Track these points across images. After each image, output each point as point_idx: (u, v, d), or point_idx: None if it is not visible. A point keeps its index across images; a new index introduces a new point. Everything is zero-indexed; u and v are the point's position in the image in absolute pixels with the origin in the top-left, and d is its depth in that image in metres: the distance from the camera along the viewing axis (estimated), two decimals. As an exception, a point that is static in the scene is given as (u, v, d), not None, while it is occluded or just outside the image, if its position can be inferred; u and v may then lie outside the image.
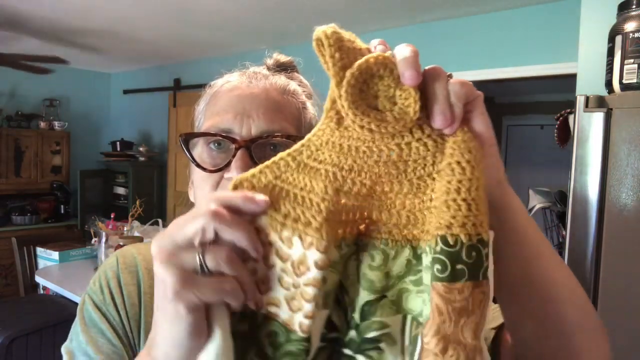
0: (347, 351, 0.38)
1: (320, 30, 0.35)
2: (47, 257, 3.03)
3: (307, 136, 0.38)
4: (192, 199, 0.65)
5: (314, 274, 0.35)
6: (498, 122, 6.27)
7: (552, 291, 0.43)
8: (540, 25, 2.88)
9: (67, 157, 5.15)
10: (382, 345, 0.37)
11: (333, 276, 0.37)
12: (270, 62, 0.68)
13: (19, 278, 3.14)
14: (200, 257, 0.35)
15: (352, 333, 0.38)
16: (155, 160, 5.12)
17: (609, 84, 1.46)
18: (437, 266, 0.34)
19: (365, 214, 0.38)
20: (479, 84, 3.36)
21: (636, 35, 1.37)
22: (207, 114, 0.62)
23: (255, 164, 0.54)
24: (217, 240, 0.35)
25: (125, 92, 5.57)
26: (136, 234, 2.86)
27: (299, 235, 0.36)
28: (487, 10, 3.03)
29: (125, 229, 2.89)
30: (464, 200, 0.34)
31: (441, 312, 0.33)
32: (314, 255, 0.35)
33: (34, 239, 3.28)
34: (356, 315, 0.38)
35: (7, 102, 4.87)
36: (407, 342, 0.37)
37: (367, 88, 0.36)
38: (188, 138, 0.60)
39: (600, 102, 1.36)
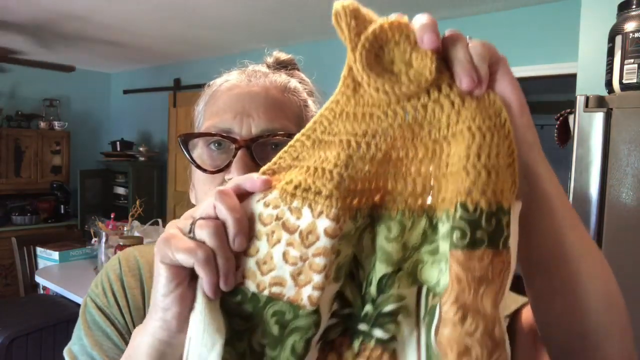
0: (362, 326, 0.37)
1: (339, 4, 0.35)
2: (47, 257, 3.03)
3: (319, 111, 0.38)
4: (193, 200, 0.64)
5: (323, 242, 0.35)
6: (498, 122, 6.26)
7: (583, 265, 0.41)
8: (540, 25, 2.88)
9: (67, 157, 5.15)
10: (399, 318, 0.36)
11: (347, 249, 0.37)
12: (270, 60, 0.68)
13: (19, 278, 3.14)
14: (192, 224, 0.37)
15: (368, 307, 0.37)
16: (155, 160, 5.12)
17: (609, 84, 1.46)
18: (457, 233, 0.33)
19: (381, 183, 0.37)
20: (479, 84, 3.36)
21: (636, 35, 1.37)
22: (207, 114, 0.61)
23: (256, 164, 0.54)
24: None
25: (125, 92, 5.57)
26: (136, 234, 2.86)
27: (308, 205, 0.36)
28: (487, 10, 3.03)
29: (125, 229, 2.89)
30: (484, 166, 0.33)
31: (460, 280, 0.33)
32: (324, 224, 0.35)
33: (34, 239, 3.28)
34: (372, 289, 0.37)
35: (7, 102, 4.87)
36: (422, 313, 0.37)
37: (383, 54, 0.35)
38: (187, 139, 0.59)
39: (600, 102, 1.36)
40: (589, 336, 0.42)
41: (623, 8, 1.45)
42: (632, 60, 1.38)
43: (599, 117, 1.36)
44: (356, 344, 0.37)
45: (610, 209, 1.36)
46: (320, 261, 0.35)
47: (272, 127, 0.56)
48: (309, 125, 0.38)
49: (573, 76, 2.17)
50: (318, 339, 0.37)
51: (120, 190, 5.08)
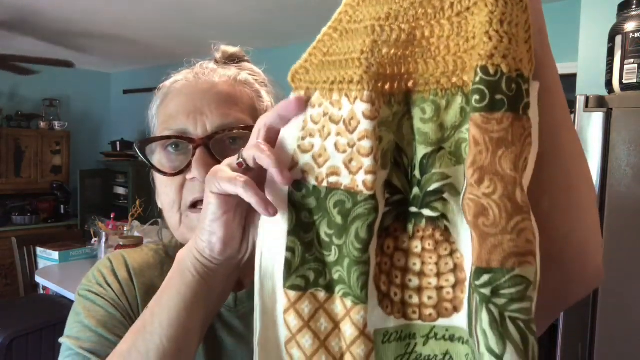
0: (412, 209, 0.39)
1: None
2: (47, 257, 3.03)
3: (344, 1, 0.38)
4: (160, 205, 0.63)
5: (365, 125, 0.37)
6: (498, 122, 6.26)
7: (572, 166, 0.42)
8: (540, 25, 2.88)
9: (67, 157, 5.15)
10: (446, 195, 0.37)
11: (388, 135, 0.38)
12: (218, 55, 0.68)
13: (19, 278, 3.14)
14: (241, 153, 0.42)
15: (415, 190, 0.38)
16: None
17: (609, 84, 1.46)
18: (476, 96, 0.33)
19: (411, 67, 0.37)
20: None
21: (636, 35, 1.37)
22: (160, 117, 0.61)
23: (216, 160, 0.54)
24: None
25: (125, 92, 5.57)
26: (136, 234, 2.86)
27: (345, 94, 0.37)
28: (487, 10, 3.03)
29: (125, 229, 2.89)
30: (506, 33, 0.33)
31: (478, 143, 0.33)
32: (360, 107, 0.37)
33: (34, 239, 3.28)
34: (417, 172, 0.38)
35: (7, 102, 4.87)
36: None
37: None
38: (144, 145, 0.60)
39: (600, 102, 1.36)
40: (572, 237, 0.43)
41: (623, 8, 1.45)
42: (632, 60, 1.38)
43: (598, 117, 1.36)
44: (410, 227, 0.39)
45: (610, 208, 1.36)
46: (366, 144, 0.37)
47: (226, 122, 0.56)
48: (334, 17, 0.39)
49: (573, 76, 2.17)
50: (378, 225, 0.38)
51: (120, 190, 5.08)
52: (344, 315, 0.39)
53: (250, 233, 0.45)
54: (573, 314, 1.40)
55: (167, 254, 0.66)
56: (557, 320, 1.54)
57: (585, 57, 2.03)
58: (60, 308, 2.51)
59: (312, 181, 0.39)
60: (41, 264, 3.06)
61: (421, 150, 0.38)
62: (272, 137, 0.41)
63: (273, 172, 0.38)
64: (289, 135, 0.40)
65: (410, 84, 0.38)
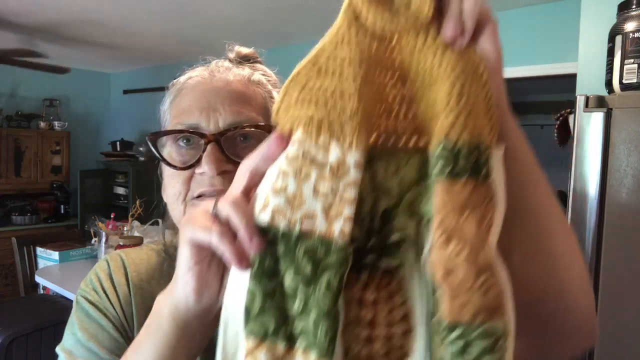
0: (368, 259, 0.39)
1: None
2: (47, 257, 3.03)
3: (322, 40, 0.38)
4: (165, 199, 0.64)
5: (355, 174, 0.36)
6: (498, 122, 6.25)
7: (544, 222, 0.43)
8: (540, 25, 2.88)
9: (67, 157, 5.15)
10: (403, 248, 0.38)
11: None
12: (232, 55, 0.68)
13: (19, 278, 3.14)
14: (215, 203, 0.40)
15: (373, 240, 0.38)
16: (155, 160, 5.11)
17: (609, 84, 1.46)
18: (440, 163, 0.35)
19: (380, 120, 0.38)
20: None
21: (636, 35, 1.37)
22: (173, 112, 0.61)
23: (226, 157, 0.55)
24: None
25: (125, 92, 5.57)
26: (136, 234, 2.86)
27: (336, 139, 0.37)
28: (487, 10, 3.03)
29: (125, 229, 2.89)
30: (465, 106, 0.35)
31: (444, 206, 0.35)
32: (354, 156, 0.36)
33: (34, 239, 3.28)
34: (375, 223, 0.38)
35: (7, 102, 4.87)
36: (424, 243, 0.38)
37: None
38: (156, 137, 0.59)
39: (600, 102, 1.36)
40: (549, 291, 0.44)
41: (623, 8, 1.45)
42: (632, 60, 1.38)
43: (598, 117, 1.36)
44: (363, 277, 0.38)
45: (610, 209, 1.36)
46: (351, 193, 0.36)
47: (239, 119, 0.57)
48: (311, 54, 0.38)
49: (573, 76, 2.17)
50: None
51: (120, 190, 5.08)
52: None
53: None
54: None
55: (168, 254, 0.67)
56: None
57: (585, 57, 2.03)
58: (60, 308, 2.51)
59: (283, 225, 0.37)
60: (41, 264, 3.06)
61: (382, 204, 0.38)
62: (256, 182, 0.39)
63: (241, 236, 0.37)
64: (269, 176, 0.39)
65: (376, 135, 0.38)
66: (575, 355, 0.50)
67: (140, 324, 0.58)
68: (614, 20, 1.47)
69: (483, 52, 0.38)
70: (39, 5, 3.15)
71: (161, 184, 0.65)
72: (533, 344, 0.45)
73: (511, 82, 3.21)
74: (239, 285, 0.39)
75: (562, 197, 2.34)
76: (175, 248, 0.66)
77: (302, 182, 0.37)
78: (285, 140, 0.38)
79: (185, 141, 0.58)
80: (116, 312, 0.60)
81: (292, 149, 0.38)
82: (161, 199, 0.65)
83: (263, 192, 0.38)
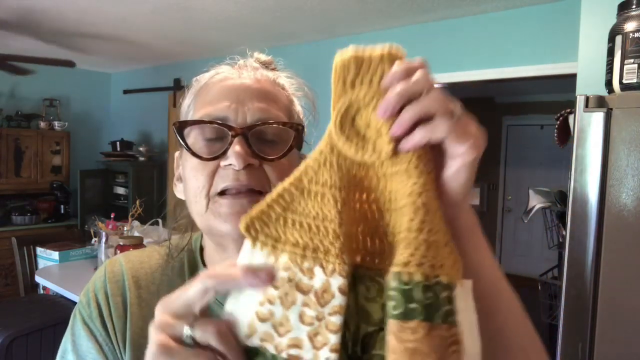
0: None
1: (338, 57, 0.37)
2: (47, 257, 3.03)
3: (304, 161, 0.39)
4: (179, 195, 0.64)
5: (339, 300, 0.36)
6: (498, 122, 6.27)
7: (511, 342, 0.44)
8: (540, 25, 2.88)
9: (67, 157, 5.15)
10: None
11: None
12: (252, 60, 0.68)
13: (19, 278, 3.14)
14: (189, 328, 0.37)
15: None
16: (155, 160, 5.12)
17: (609, 84, 1.46)
18: (392, 302, 0.33)
19: (362, 242, 0.39)
20: (479, 84, 3.36)
21: (636, 35, 1.37)
22: (198, 105, 0.60)
23: (252, 152, 0.55)
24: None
25: (125, 92, 5.57)
26: (136, 234, 2.86)
27: (320, 264, 0.36)
28: (487, 10, 3.03)
29: (125, 229, 2.89)
30: (425, 240, 0.34)
31: (394, 351, 0.32)
32: (337, 281, 0.36)
33: (34, 239, 3.28)
34: (358, 348, 0.37)
35: (7, 102, 4.87)
36: None
37: (360, 116, 0.37)
38: (182, 126, 0.58)
39: (600, 102, 1.36)
40: None
41: (623, 8, 1.45)
42: (632, 60, 1.38)
43: (598, 117, 1.36)
44: None
45: (610, 209, 1.36)
46: (336, 320, 0.36)
47: (266, 116, 0.57)
48: (295, 174, 0.39)
49: (573, 76, 2.17)
50: None
51: (120, 190, 5.08)
52: None
53: None
54: (573, 314, 1.40)
55: (173, 257, 0.66)
56: (557, 320, 1.54)
57: (585, 57, 2.03)
58: (60, 308, 2.51)
59: (271, 349, 0.36)
60: (41, 264, 3.06)
61: (363, 328, 0.37)
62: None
63: None
64: (249, 300, 0.38)
65: (358, 257, 0.38)
66: None
67: (135, 333, 0.59)
68: (614, 20, 1.47)
69: (445, 184, 0.37)
70: (39, 6, 3.15)
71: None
72: None
73: (511, 82, 3.21)
74: None
75: (563, 196, 2.34)
76: (180, 250, 0.66)
77: (287, 310, 0.37)
78: (274, 275, 0.37)
79: (211, 133, 0.58)
80: (105, 330, 0.61)
81: (279, 274, 0.37)
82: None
83: (245, 313, 0.38)
